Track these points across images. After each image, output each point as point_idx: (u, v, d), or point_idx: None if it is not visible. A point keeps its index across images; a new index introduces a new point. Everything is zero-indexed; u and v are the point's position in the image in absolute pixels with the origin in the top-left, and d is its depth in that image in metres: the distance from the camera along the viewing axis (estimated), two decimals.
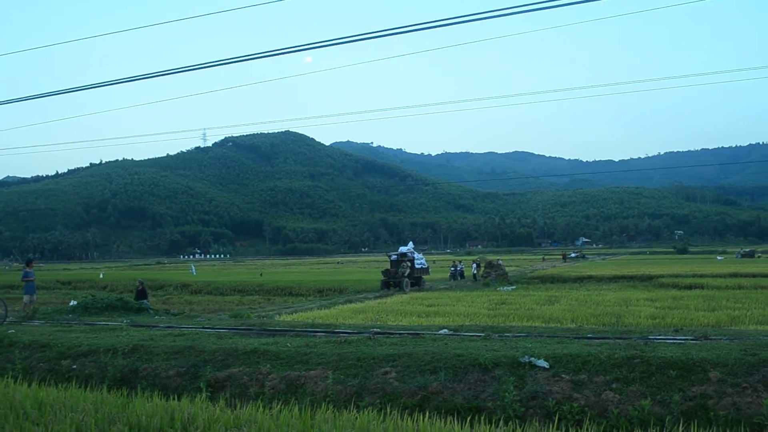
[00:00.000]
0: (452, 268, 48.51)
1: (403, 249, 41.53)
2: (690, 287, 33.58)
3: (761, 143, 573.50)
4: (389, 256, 42.24)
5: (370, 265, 78.99)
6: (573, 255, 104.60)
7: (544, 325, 17.75)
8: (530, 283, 42.12)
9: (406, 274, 37.65)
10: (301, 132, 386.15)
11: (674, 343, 10.36)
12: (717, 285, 33.32)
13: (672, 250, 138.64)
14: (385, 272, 38.53)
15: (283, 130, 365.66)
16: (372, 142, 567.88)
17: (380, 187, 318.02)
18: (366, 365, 9.69)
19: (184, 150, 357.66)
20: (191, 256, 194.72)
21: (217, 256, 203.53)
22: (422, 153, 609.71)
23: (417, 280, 38.82)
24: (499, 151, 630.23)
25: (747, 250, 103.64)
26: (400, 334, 12.90)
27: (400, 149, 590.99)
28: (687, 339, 10.93)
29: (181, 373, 10.51)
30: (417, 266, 39.56)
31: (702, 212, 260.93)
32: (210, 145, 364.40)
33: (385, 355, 9.96)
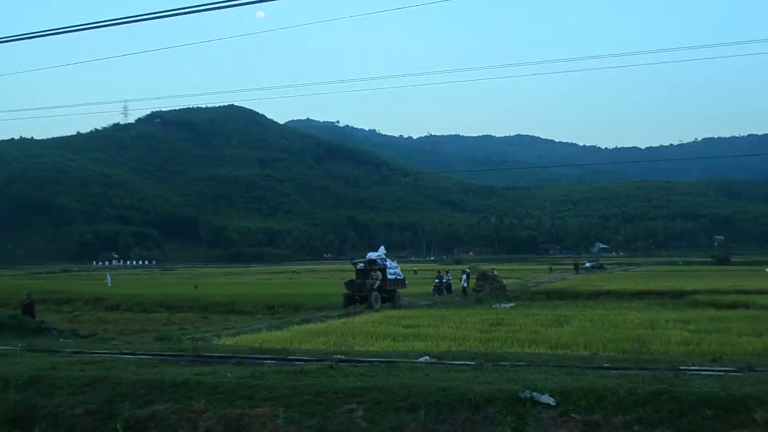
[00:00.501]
0: (437, 280, 48.66)
1: (372, 255, 41.35)
2: (732, 306, 34.01)
3: None
4: (355, 265, 42.18)
5: (334, 275, 79.02)
6: (588, 265, 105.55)
7: (550, 351, 17.86)
8: (534, 300, 42.45)
9: (375, 287, 37.56)
10: (248, 107, 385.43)
11: (711, 375, 10.48)
12: (765, 304, 33.78)
13: (710, 259, 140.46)
14: (349, 284, 38.39)
15: (226, 104, 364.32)
16: (338, 121, 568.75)
17: (348, 177, 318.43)
18: (326, 401, 9.68)
19: (98, 127, 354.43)
20: (107, 263, 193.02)
21: (141, 262, 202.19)
22: (401, 135, 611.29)
23: (390, 295, 38.70)
24: (497, 135, 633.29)
25: None
26: (370, 362, 12.91)
27: (374, 130, 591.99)
28: (727, 370, 11.08)
29: (91, 411, 10.42)
30: (390, 277, 39.37)
31: (748, 213, 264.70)
32: (132, 121, 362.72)
33: (350, 389, 9.96)
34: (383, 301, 37.68)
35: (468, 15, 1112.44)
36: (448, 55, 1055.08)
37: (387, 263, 40.22)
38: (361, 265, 40.52)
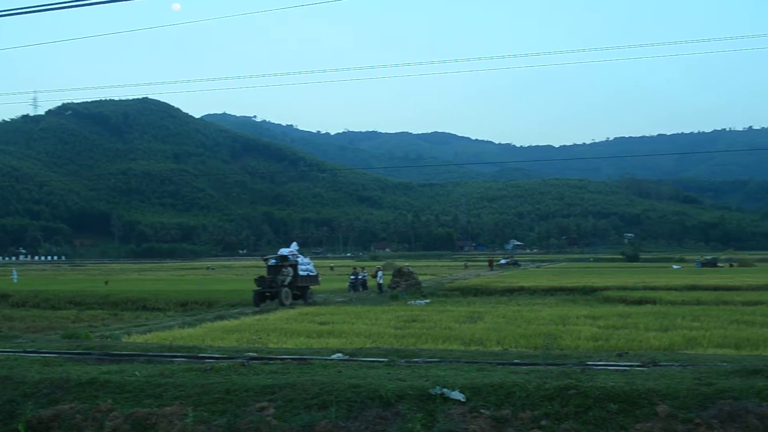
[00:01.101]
0: (352, 277, 48.67)
1: (283, 251, 40.80)
2: (640, 302, 34.89)
3: (728, 129, 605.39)
4: (266, 261, 41.78)
5: (249, 272, 78.33)
6: (503, 261, 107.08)
7: (463, 348, 18.05)
8: (448, 296, 42.88)
9: (286, 283, 37.21)
10: (163, 100, 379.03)
11: (617, 370, 10.74)
12: (672, 300, 34.76)
13: (621, 256, 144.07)
14: (260, 281, 37.80)
15: (141, 96, 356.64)
16: (255, 116, 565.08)
17: (264, 172, 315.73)
18: (237, 399, 9.59)
19: (6, 119, 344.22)
20: (14, 258, 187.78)
21: (50, 258, 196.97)
22: (319, 131, 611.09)
23: (302, 291, 38.32)
24: (415, 132, 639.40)
25: (708, 257, 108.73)
26: (282, 359, 12.85)
27: (291, 126, 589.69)
28: (632, 365, 11.37)
29: None
30: (302, 273, 38.85)
31: (657, 211, 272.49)
32: (42, 113, 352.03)
33: (261, 387, 9.88)
34: (295, 297, 37.34)
35: (385, 12, 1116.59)
36: (365, 52, 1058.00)
37: (299, 259, 39.72)
38: (273, 261, 40.10)
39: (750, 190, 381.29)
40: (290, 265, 38.39)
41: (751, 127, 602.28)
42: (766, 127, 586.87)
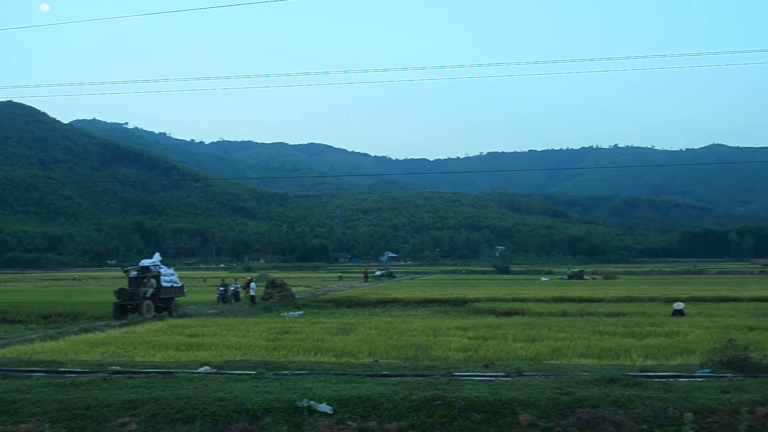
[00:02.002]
0: (221, 288, 47.79)
1: (145, 262, 39.54)
2: (509, 313, 35.65)
3: (595, 147, 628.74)
4: (126, 272, 40.53)
5: (118, 283, 75.84)
6: (378, 273, 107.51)
7: (334, 360, 18.06)
8: (322, 308, 42.77)
9: (148, 296, 36.18)
10: (29, 104, 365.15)
11: (483, 380, 10.95)
12: (539, 311, 35.68)
13: (492, 268, 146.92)
14: (120, 293, 36.35)
15: (5, 100, 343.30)
16: (126, 123, 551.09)
17: (136, 181, 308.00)
18: (97, 415, 9.30)
19: None
20: None
21: None
22: (193, 140, 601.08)
23: (166, 303, 37.25)
24: (291, 142, 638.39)
25: (575, 270, 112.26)
26: (147, 373, 12.56)
27: (164, 134, 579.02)
28: (498, 376, 11.62)
29: None
30: (165, 284, 37.81)
31: (528, 225, 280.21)
32: None
33: (124, 401, 9.61)
34: (159, 310, 36.32)
35: (262, 21, 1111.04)
36: (241, 60, 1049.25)
37: (162, 270, 38.58)
38: (135, 272, 38.87)
39: (615, 205, 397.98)
40: (153, 277, 37.28)
41: (616, 144, 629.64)
42: (630, 145, 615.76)
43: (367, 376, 11.71)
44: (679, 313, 32.59)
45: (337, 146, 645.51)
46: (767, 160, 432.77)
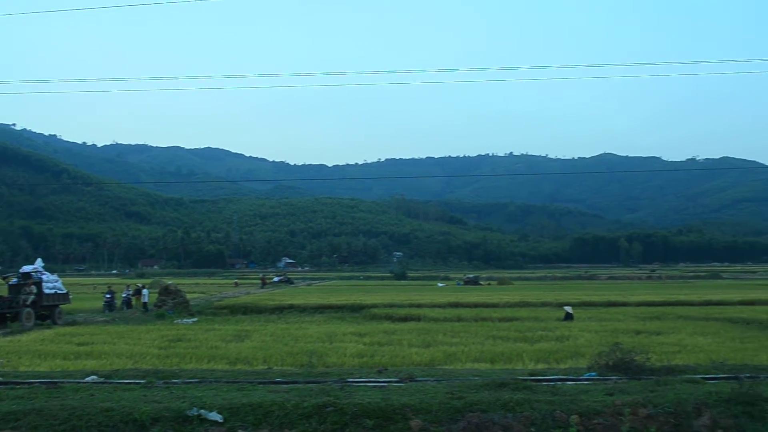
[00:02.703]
0: (107, 296, 46.19)
1: (26, 268, 37.99)
2: (405, 319, 35.87)
3: (491, 155, 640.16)
4: (5, 279, 38.87)
5: (2, 290, 73.45)
6: (276, 279, 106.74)
7: (228, 367, 17.87)
8: (217, 314, 42.22)
9: (29, 303, 34.77)
10: None
11: (376, 386, 10.98)
12: (435, 317, 36.01)
13: (389, 274, 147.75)
14: None
15: None
16: (14, 124, 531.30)
17: (23, 184, 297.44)
18: None
19: None
20: None
21: None
22: (84, 143, 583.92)
23: (50, 311, 35.88)
24: (187, 147, 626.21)
25: (471, 276, 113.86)
26: (30, 383, 12.13)
27: (54, 135, 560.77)
28: (391, 381, 11.68)
29: None
30: (48, 291, 36.32)
31: (425, 231, 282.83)
32: None
33: (4, 413, 9.28)
34: (42, 318, 34.88)
35: (155, 22, 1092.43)
36: (137, 60, 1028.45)
37: (44, 277, 37.10)
38: (15, 279, 37.29)
39: (510, 212, 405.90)
40: (34, 284, 35.87)
41: (511, 153, 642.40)
42: (524, 153, 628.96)
43: (260, 383, 11.61)
44: (569, 317, 33.53)
45: (234, 151, 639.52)
46: (654, 169, 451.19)
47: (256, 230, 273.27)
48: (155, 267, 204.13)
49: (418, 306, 43.27)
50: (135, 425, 8.74)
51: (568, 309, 34.80)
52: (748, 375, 11.16)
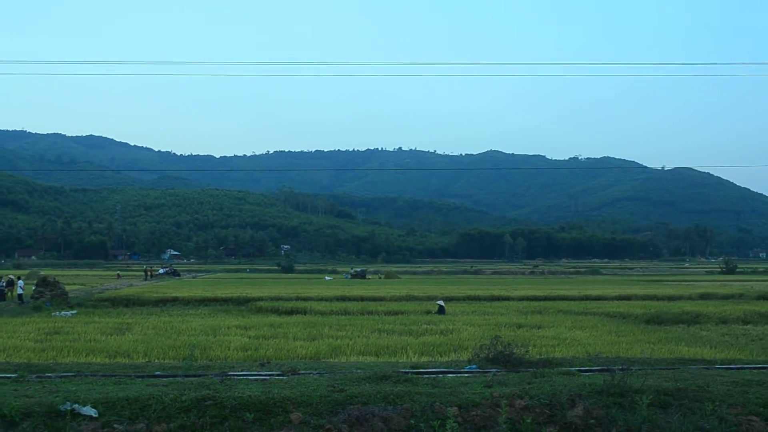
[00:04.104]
0: None
1: None
2: (292, 312, 35.91)
3: (380, 149, 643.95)
4: None
5: None
6: (162, 271, 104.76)
7: (108, 360, 17.53)
8: (98, 307, 41.18)
9: None
10: None
11: (258, 379, 10.92)
12: (321, 310, 36.12)
13: (277, 267, 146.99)
14: None
15: None
16: None
17: None
18: None
19: None
20: None
21: None
22: None
23: None
24: (69, 134, 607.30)
25: (358, 269, 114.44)
26: None
27: None
28: (273, 374, 11.64)
29: None
30: None
31: (313, 224, 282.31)
32: None
33: None
34: None
35: (34, 4, 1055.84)
36: (20, 42, 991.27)
37: None
38: None
39: (398, 206, 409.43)
40: None
41: (400, 148, 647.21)
42: (413, 149, 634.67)
43: (138, 377, 11.39)
44: (442, 310, 34.12)
45: (119, 139, 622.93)
46: (539, 167, 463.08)
47: (140, 221, 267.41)
48: (33, 258, 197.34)
49: (305, 299, 43.24)
50: (3, 421, 8.43)
51: (440, 302, 35.50)
52: (620, 367, 11.56)
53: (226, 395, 9.03)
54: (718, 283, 71.78)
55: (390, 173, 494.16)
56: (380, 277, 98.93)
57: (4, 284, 47.35)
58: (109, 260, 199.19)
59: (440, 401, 9.36)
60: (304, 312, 35.73)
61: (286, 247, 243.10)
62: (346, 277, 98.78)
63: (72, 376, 11.71)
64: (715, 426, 9.19)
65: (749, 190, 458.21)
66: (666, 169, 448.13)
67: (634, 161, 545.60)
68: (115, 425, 8.41)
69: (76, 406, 8.64)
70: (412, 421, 8.83)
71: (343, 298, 44.53)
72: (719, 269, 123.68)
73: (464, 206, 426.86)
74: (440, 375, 12.64)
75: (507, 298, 46.10)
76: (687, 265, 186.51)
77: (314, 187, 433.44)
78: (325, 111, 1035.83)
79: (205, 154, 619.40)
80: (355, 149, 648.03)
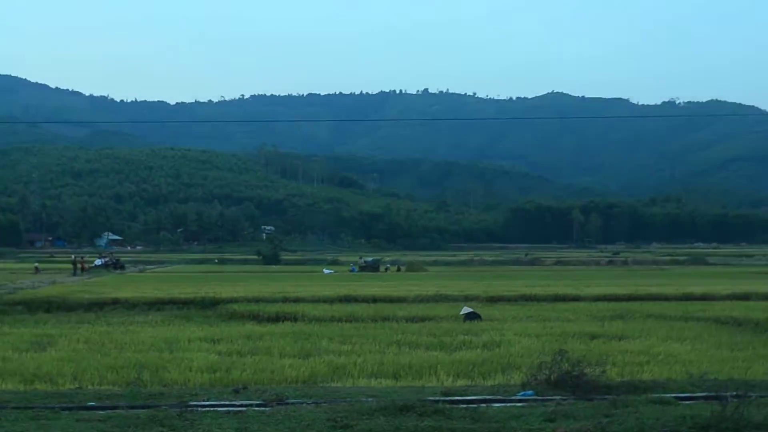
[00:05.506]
0: None
1: None
2: (277, 319, 35.80)
3: (398, 92, 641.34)
4: None
5: None
6: (99, 262, 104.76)
7: (22, 387, 17.56)
8: (7, 313, 41.30)
9: None
10: None
11: (230, 411, 10.94)
12: (319, 315, 36.05)
13: (257, 257, 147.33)
14: None
15: None
16: None
17: None
18: None
19: None
20: None
21: None
22: None
23: None
24: None
25: (369, 259, 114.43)
26: None
27: None
28: (251, 405, 11.65)
29: None
30: None
31: (306, 197, 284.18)
32: None
33: None
34: None
35: None
36: None
37: None
38: None
39: (424, 172, 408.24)
40: None
41: (426, 90, 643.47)
42: (444, 91, 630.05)
43: (65, 409, 11.42)
44: (475, 316, 33.53)
45: (34, 80, 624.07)
46: (620, 115, 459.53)
47: (65, 193, 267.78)
48: None
49: (296, 301, 43.29)
50: None
51: (467, 309, 34.84)
52: (734, 393, 11.49)
53: None
54: None
55: (413, 125, 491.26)
56: (399, 269, 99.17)
57: None
58: (22, 248, 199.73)
59: None
60: (294, 318, 35.69)
61: (269, 228, 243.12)
62: (353, 270, 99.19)
63: None
64: None
65: None
66: None
67: (753, 106, 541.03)
68: None
69: None
70: None
71: (349, 299, 44.51)
72: None
73: (516, 171, 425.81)
74: (483, 404, 12.63)
75: (576, 299, 46.00)
76: None
77: (308, 145, 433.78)
78: (322, 37, 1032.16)
79: (156, 99, 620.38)
80: (364, 92, 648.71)
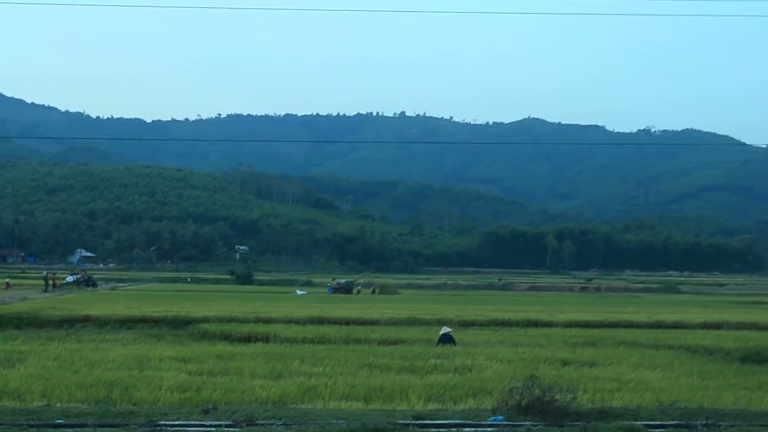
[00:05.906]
0: None
1: None
2: (248, 339, 35.82)
3: (375, 114, 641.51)
4: None
5: None
6: (71, 279, 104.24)
7: None
8: None
9: None
10: None
11: (200, 431, 10.91)
12: (290, 337, 36.01)
13: (229, 276, 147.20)
14: None
15: None
16: None
17: None
18: None
19: None
20: None
21: None
22: None
23: None
24: None
25: (342, 281, 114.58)
26: None
27: None
28: (220, 425, 11.63)
29: None
30: None
31: (281, 217, 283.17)
32: None
33: None
34: None
35: None
36: None
37: None
38: None
39: (399, 194, 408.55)
40: None
41: (403, 112, 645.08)
42: (421, 114, 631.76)
43: (32, 426, 11.39)
44: (449, 339, 33.40)
45: (10, 95, 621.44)
46: (595, 142, 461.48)
47: (39, 209, 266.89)
48: None
49: (268, 321, 43.38)
50: None
51: (446, 329, 34.71)
52: (704, 422, 11.55)
53: None
54: None
55: (389, 147, 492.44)
56: (373, 292, 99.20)
57: None
58: None
59: None
60: (266, 339, 35.69)
61: (242, 248, 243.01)
62: (329, 292, 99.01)
63: None
64: None
65: None
66: None
67: (728, 136, 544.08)
68: None
69: None
70: None
71: (321, 321, 44.60)
72: None
73: (491, 195, 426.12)
74: (454, 429, 12.63)
75: (548, 324, 46.19)
76: None
77: (283, 165, 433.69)
78: (299, 58, 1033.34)
79: (132, 117, 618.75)
80: (341, 113, 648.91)
